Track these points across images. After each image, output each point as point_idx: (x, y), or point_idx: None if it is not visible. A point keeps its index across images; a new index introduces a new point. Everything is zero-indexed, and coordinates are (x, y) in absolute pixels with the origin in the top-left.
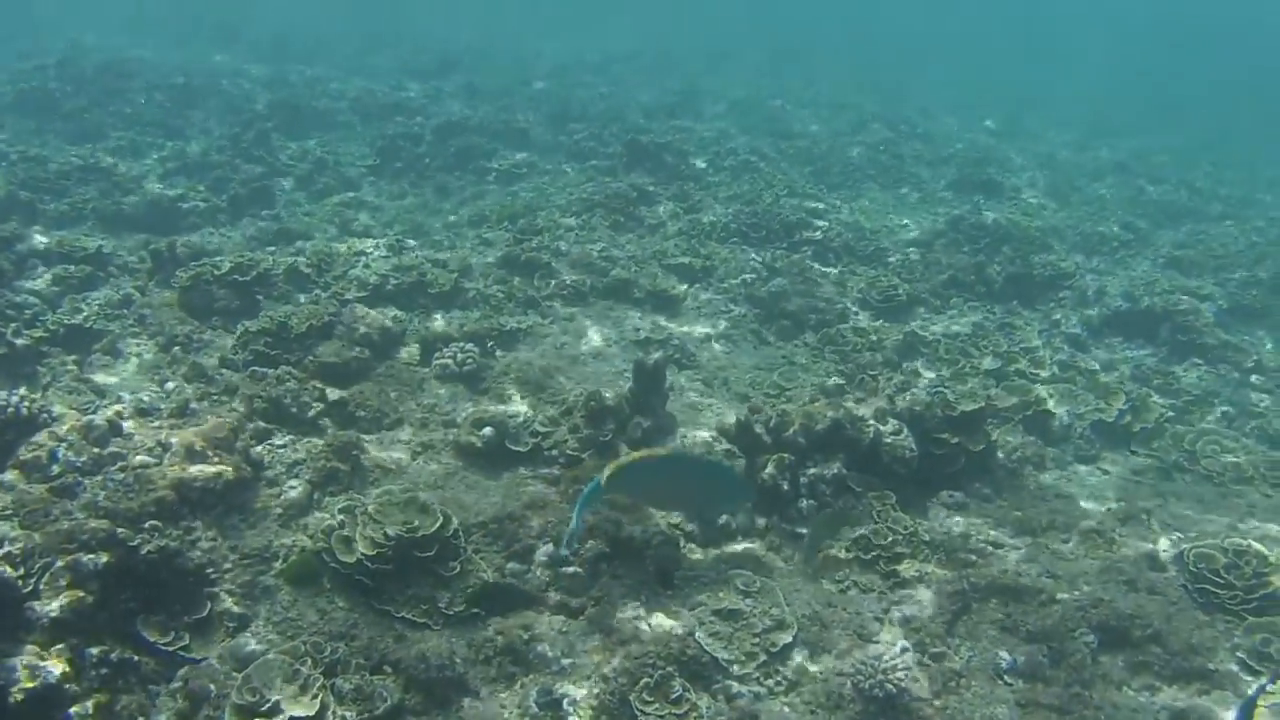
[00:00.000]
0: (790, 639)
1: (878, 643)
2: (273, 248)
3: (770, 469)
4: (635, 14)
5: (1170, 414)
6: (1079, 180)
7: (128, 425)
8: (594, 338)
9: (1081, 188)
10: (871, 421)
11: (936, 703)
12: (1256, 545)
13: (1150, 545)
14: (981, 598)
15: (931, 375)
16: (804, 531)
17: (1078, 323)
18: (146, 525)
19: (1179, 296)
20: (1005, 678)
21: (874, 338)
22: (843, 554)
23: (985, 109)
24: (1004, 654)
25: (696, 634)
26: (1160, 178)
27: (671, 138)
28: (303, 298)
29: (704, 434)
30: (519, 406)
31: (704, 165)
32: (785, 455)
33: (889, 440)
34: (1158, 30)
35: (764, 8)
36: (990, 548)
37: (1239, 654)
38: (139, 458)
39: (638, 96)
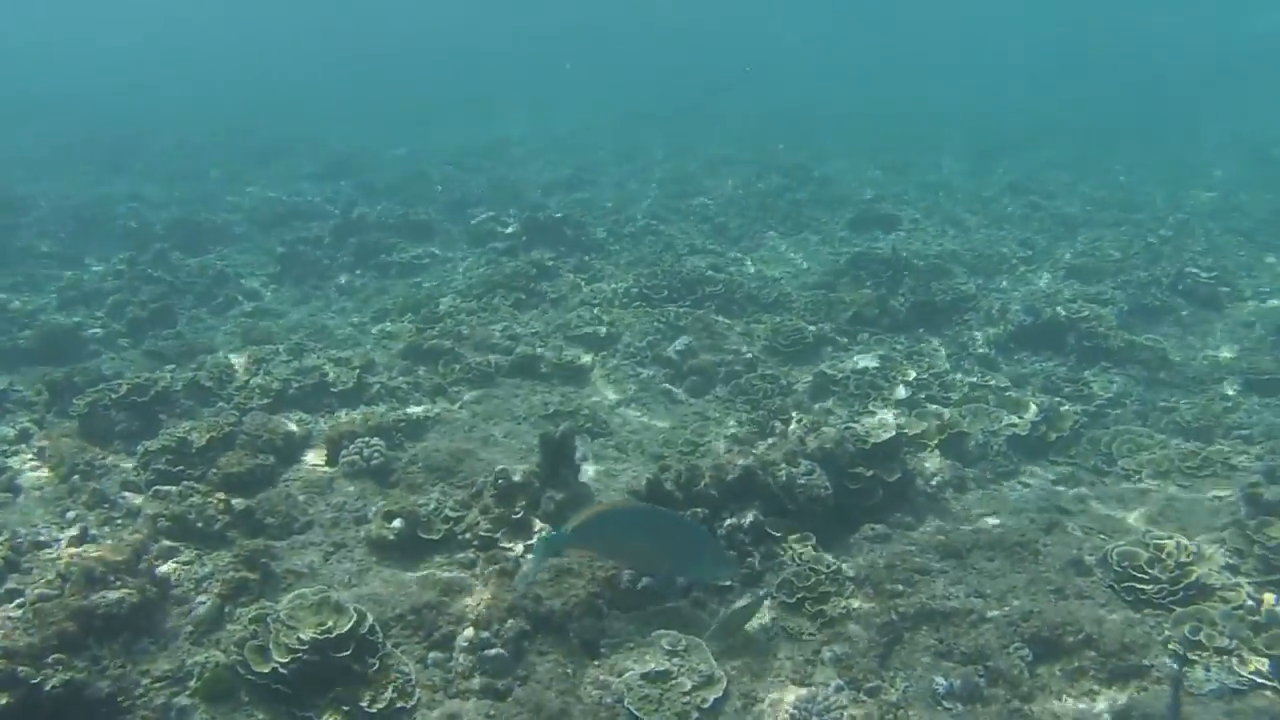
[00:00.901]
0: (721, 693)
1: (811, 685)
2: (174, 366)
3: None
4: (526, 99)
5: (1084, 420)
6: (974, 204)
7: (24, 559)
8: (502, 416)
9: (977, 210)
10: (783, 465)
11: None
12: (1178, 537)
13: (1075, 552)
14: (912, 626)
15: (844, 413)
16: (728, 584)
17: (984, 343)
18: (49, 660)
19: (1080, 304)
20: (944, 703)
21: (784, 383)
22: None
23: (875, 148)
24: (940, 679)
25: (626, 701)
26: (1052, 193)
27: (570, 211)
28: (207, 411)
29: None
30: (430, 494)
31: (604, 235)
32: (699, 509)
33: (802, 481)
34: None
35: (660, 78)
36: (917, 575)
37: (1172, 646)
38: (37, 591)
39: (535, 176)
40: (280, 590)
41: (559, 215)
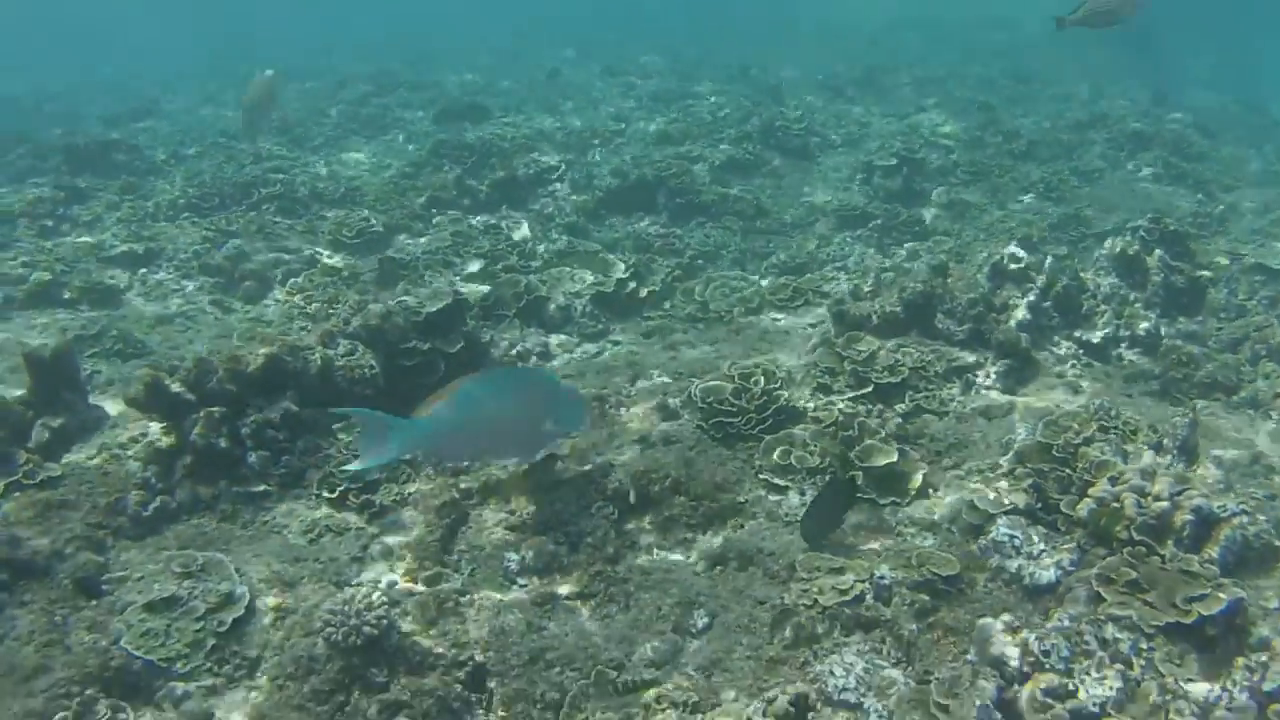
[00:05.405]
0: (242, 611)
1: (356, 585)
2: None
3: (199, 430)
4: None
5: (678, 273)
6: (569, 89)
7: None
8: (13, 352)
9: (573, 95)
10: (318, 348)
11: (433, 630)
12: (764, 364)
13: (660, 397)
14: (479, 502)
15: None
16: (264, 489)
17: (572, 210)
18: None
19: (669, 161)
20: (518, 580)
21: (346, 274)
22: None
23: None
24: (511, 555)
25: (123, 641)
26: (648, 73)
27: (121, 135)
28: None
29: None
30: None
31: (165, 156)
32: (215, 410)
33: (342, 362)
34: None
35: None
36: None
37: (763, 475)
38: None
39: (98, 109)
40: None
41: (109, 139)
